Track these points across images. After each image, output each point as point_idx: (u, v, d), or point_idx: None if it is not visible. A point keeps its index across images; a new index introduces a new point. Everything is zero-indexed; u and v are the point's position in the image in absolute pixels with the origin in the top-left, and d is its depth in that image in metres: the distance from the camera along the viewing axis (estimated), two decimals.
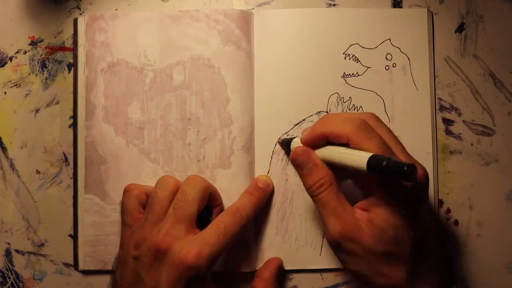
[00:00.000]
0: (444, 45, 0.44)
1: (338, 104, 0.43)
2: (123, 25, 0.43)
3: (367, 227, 0.34)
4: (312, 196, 0.37)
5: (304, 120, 0.43)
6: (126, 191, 0.41)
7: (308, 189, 0.37)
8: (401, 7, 0.45)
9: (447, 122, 0.44)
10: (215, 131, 0.42)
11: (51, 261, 0.44)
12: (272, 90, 0.43)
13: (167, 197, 0.38)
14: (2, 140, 0.44)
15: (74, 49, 0.44)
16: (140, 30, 0.43)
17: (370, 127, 0.35)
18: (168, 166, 0.42)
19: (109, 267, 0.42)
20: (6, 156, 0.44)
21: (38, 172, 0.44)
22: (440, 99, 0.44)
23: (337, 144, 0.36)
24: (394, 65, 0.44)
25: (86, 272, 0.43)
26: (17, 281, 0.44)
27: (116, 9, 0.45)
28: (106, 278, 0.43)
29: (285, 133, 0.43)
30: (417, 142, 0.43)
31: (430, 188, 0.36)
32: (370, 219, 0.34)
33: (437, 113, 0.44)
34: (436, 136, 0.44)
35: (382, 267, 0.35)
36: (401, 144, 0.36)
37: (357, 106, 0.43)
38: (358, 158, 0.33)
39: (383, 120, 0.42)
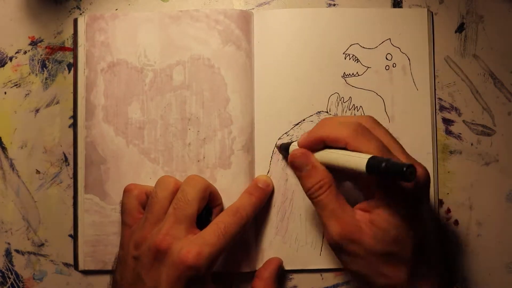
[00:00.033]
0: (444, 45, 0.44)
1: (338, 104, 0.43)
2: (123, 25, 0.43)
3: (368, 228, 0.34)
4: (311, 199, 0.37)
5: (304, 120, 0.43)
6: (126, 191, 0.41)
7: (307, 191, 0.37)
8: (401, 7, 0.45)
9: (447, 122, 0.44)
10: (215, 131, 0.42)
11: (51, 261, 0.44)
12: (272, 90, 0.43)
13: (167, 197, 0.38)
14: (2, 140, 0.44)
15: (74, 49, 0.44)
16: (140, 30, 0.43)
17: (368, 130, 0.35)
18: (168, 166, 0.43)
19: (109, 267, 0.42)
20: (6, 156, 0.44)
21: (38, 172, 0.44)
22: (440, 99, 0.44)
23: (336, 148, 0.36)
24: (394, 65, 0.44)
25: (86, 272, 0.43)
26: (17, 281, 0.44)
27: (116, 9, 0.45)
28: (106, 278, 0.43)
29: (285, 133, 0.43)
30: (417, 142, 0.43)
31: (430, 188, 0.36)
32: (372, 220, 0.34)
33: (437, 113, 0.44)
34: (436, 136, 0.44)
35: (382, 268, 0.35)
36: (400, 145, 0.36)
37: (357, 106, 0.43)
38: (357, 159, 0.33)
39: (383, 120, 0.42)
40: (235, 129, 0.42)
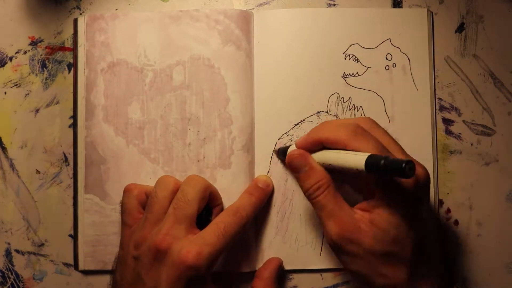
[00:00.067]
0: (444, 45, 0.44)
1: (338, 104, 0.43)
2: (123, 25, 0.43)
3: (367, 228, 0.34)
4: (309, 199, 0.37)
5: (304, 120, 0.43)
6: (126, 191, 0.41)
7: (305, 192, 0.37)
8: (401, 7, 0.44)
9: (447, 122, 0.44)
10: (215, 131, 0.42)
11: (51, 261, 0.44)
12: (272, 90, 0.43)
13: (167, 197, 0.38)
14: (2, 140, 0.44)
15: (74, 49, 0.44)
16: (140, 30, 0.43)
17: (366, 131, 0.35)
18: (168, 166, 0.42)
19: (109, 267, 0.42)
20: (6, 156, 0.44)
21: (38, 172, 0.44)
22: (440, 99, 0.44)
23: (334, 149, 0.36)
24: (394, 65, 0.44)
25: (86, 272, 0.43)
26: (17, 281, 0.44)
27: (116, 9, 0.45)
28: (106, 278, 0.43)
29: (285, 133, 0.43)
30: (417, 142, 0.43)
31: (430, 188, 0.36)
32: (371, 220, 0.34)
33: (437, 113, 0.44)
34: (436, 136, 0.44)
35: (382, 268, 0.35)
36: (399, 145, 0.36)
37: (357, 106, 0.43)
38: (356, 158, 0.33)
39: (383, 120, 0.42)
40: (235, 129, 0.42)
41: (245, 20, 0.43)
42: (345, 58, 0.43)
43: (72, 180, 0.44)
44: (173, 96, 0.43)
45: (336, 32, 0.43)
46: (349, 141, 0.35)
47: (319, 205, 0.36)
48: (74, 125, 0.44)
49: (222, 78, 0.42)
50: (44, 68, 0.44)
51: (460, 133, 0.44)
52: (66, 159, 0.44)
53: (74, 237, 0.43)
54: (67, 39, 0.45)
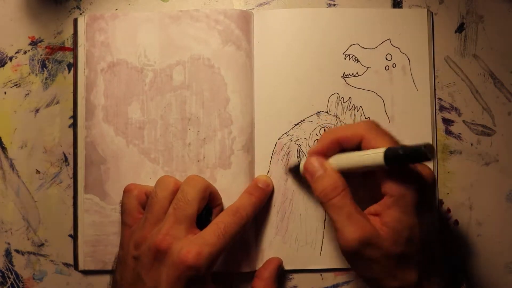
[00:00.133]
0: (444, 45, 0.44)
1: (338, 104, 0.43)
2: (123, 25, 0.43)
3: (382, 231, 0.34)
4: (324, 202, 0.36)
5: (304, 120, 0.43)
6: (126, 191, 0.41)
7: (320, 193, 0.36)
8: (401, 7, 0.44)
9: (447, 122, 0.44)
10: (215, 131, 0.42)
11: (51, 261, 0.44)
12: (272, 90, 0.43)
13: (167, 197, 0.38)
14: (2, 140, 0.44)
15: (74, 49, 0.44)
16: (140, 30, 0.43)
17: (380, 126, 0.36)
18: (168, 166, 0.42)
19: (109, 267, 0.42)
20: (6, 156, 0.44)
21: (38, 172, 0.44)
22: (440, 99, 0.44)
23: (348, 151, 0.36)
24: (394, 65, 0.44)
25: (86, 272, 0.43)
26: (17, 281, 0.44)
27: (116, 9, 0.45)
28: (106, 278, 0.43)
29: (285, 133, 0.43)
30: (417, 142, 0.43)
31: (435, 188, 0.37)
32: (384, 223, 0.34)
33: (437, 113, 0.44)
34: (436, 136, 0.44)
35: (395, 270, 0.34)
36: None
37: (357, 106, 0.43)
38: (374, 155, 0.33)
39: (383, 120, 0.43)
40: (235, 129, 0.42)
41: (245, 20, 0.43)
42: (345, 58, 0.43)
43: (72, 180, 0.44)
44: (173, 96, 0.43)
45: (336, 32, 0.43)
46: (367, 133, 0.35)
47: (335, 208, 0.35)
48: (74, 125, 0.44)
49: (222, 78, 0.42)
50: (44, 68, 0.44)
51: (460, 133, 0.44)
52: (66, 159, 0.44)
53: (74, 237, 0.43)
54: (67, 39, 0.45)
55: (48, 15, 0.45)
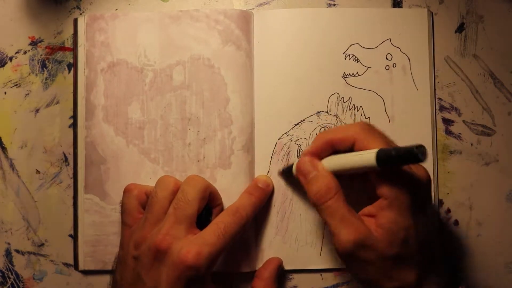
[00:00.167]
0: (444, 45, 0.44)
1: (338, 104, 0.43)
2: (123, 25, 0.43)
3: (377, 233, 0.34)
4: (318, 205, 0.36)
5: (304, 120, 0.43)
6: (126, 191, 0.41)
7: (314, 196, 0.36)
8: (401, 7, 0.44)
9: (447, 122, 0.44)
10: (215, 131, 0.42)
11: (51, 261, 0.44)
12: (272, 90, 0.43)
13: (167, 197, 0.38)
14: (2, 140, 0.44)
15: (74, 49, 0.44)
16: (140, 30, 0.43)
17: (373, 128, 0.36)
18: (168, 166, 0.42)
19: (109, 267, 0.42)
20: (6, 156, 0.44)
21: (38, 172, 0.44)
22: (440, 99, 0.44)
23: (341, 153, 0.36)
24: (394, 65, 0.44)
25: (86, 272, 0.43)
26: (17, 281, 0.44)
27: (116, 9, 0.45)
28: (106, 278, 0.43)
29: (285, 133, 0.43)
30: (417, 142, 0.43)
31: (431, 189, 0.37)
32: (379, 224, 0.34)
33: (437, 113, 0.44)
34: (436, 136, 0.44)
35: (392, 271, 0.34)
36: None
37: (357, 106, 0.43)
38: (366, 156, 0.33)
39: (383, 120, 0.43)
40: (235, 129, 0.42)
41: (245, 20, 0.43)
42: (345, 58, 0.43)
43: (72, 180, 0.44)
44: (173, 96, 0.43)
45: (336, 32, 0.43)
46: (359, 135, 0.35)
47: (329, 211, 0.35)
48: (74, 125, 0.44)
49: (222, 78, 0.42)
50: (44, 68, 0.44)
51: (460, 133, 0.44)
52: (66, 159, 0.44)
53: (74, 237, 0.43)
54: (67, 39, 0.45)
55: (48, 15, 0.45)
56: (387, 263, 0.34)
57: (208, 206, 0.40)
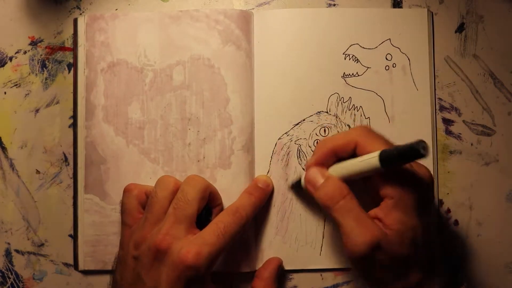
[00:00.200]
0: (444, 45, 0.44)
1: (338, 104, 0.43)
2: (123, 25, 0.43)
3: (388, 234, 0.34)
4: (330, 207, 0.35)
5: (304, 120, 0.43)
6: (126, 191, 0.41)
7: (325, 198, 0.35)
8: (401, 7, 0.44)
9: (447, 122, 0.44)
10: (215, 131, 0.42)
11: (51, 261, 0.44)
12: (272, 90, 0.43)
13: (167, 197, 0.38)
14: (2, 140, 0.44)
15: (74, 49, 0.44)
16: (140, 30, 0.43)
17: (373, 131, 0.36)
18: (168, 166, 0.42)
19: (109, 267, 0.42)
20: (6, 156, 0.44)
21: (38, 172, 0.44)
22: (440, 99, 0.44)
23: (344, 159, 0.36)
24: (394, 65, 0.44)
25: (86, 272, 0.43)
26: (17, 281, 0.44)
27: (116, 9, 0.45)
28: (106, 278, 0.43)
29: (285, 133, 0.43)
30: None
31: (434, 189, 0.37)
32: (387, 226, 0.34)
33: (437, 113, 0.44)
34: (436, 136, 0.44)
35: (400, 272, 0.35)
36: None
37: (357, 106, 0.43)
38: (369, 159, 0.34)
39: (383, 120, 0.43)
40: (235, 129, 0.42)
41: (245, 20, 0.43)
42: (345, 58, 0.43)
43: (72, 180, 0.44)
44: (173, 96, 0.43)
45: (336, 32, 0.43)
46: (360, 138, 0.35)
47: (342, 211, 0.34)
48: (74, 125, 0.44)
49: (222, 78, 0.42)
50: (44, 68, 0.44)
51: (460, 133, 0.44)
52: (66, 159, 0.44)
53: (74, 237, 0.43)
54: (67, 39, 0.45)
55: (48, 15, 0.45)
56: (397, 264, 0.34)
57: (208, 206, 0.40)
